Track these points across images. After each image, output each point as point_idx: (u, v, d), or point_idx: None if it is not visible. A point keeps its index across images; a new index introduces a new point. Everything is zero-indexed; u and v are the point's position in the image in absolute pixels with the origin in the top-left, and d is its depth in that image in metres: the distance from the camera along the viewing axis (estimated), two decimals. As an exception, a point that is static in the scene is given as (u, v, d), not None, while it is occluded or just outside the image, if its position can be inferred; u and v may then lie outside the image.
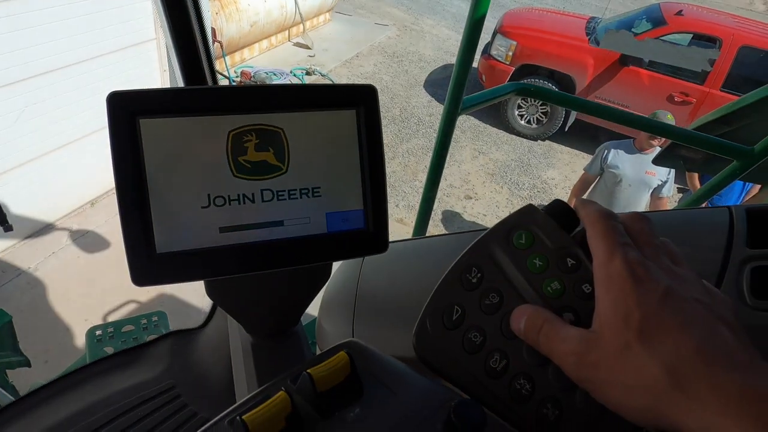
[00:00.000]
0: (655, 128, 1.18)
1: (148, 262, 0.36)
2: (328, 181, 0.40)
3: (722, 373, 0.26)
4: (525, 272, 0.38)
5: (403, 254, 0.75)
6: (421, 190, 1.21)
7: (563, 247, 0.38)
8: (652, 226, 0.35)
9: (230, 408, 0.33)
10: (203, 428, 0.31)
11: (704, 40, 4.82)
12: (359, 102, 0.41)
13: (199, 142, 0.37)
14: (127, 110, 0.34)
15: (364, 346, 0.38)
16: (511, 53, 5.07)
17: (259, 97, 0.38)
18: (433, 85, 6.10)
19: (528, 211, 0.40)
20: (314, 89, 0.40)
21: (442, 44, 7.16)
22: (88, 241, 3.50)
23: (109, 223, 3.61)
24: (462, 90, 0.98)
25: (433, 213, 1.17)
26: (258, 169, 0.38)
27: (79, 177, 3.57)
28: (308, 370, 0.32)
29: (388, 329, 0.67)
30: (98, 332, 1.74)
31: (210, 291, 0.40)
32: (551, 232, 0.39)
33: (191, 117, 0.36)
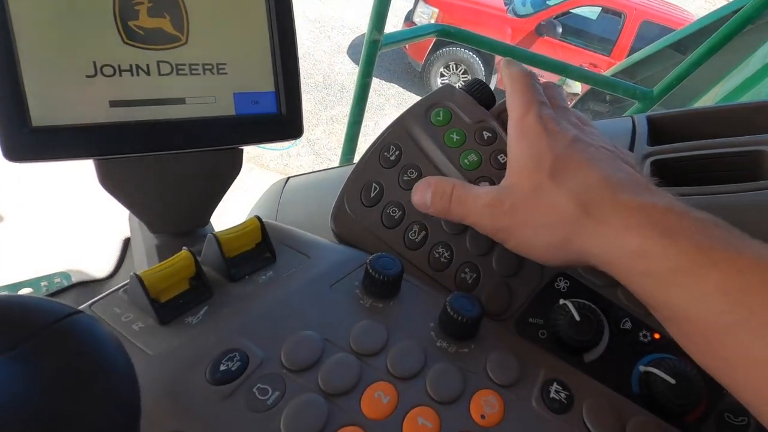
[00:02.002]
0: (572, 73, 1.25)
1: (22, 136, 0.31)
2: (234, 57, 0.37)
3: (624, 195, 0.27)
4: (442, 147, 0.37)
5: (329, 182, 0.73)
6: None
7: (480, 121, 0.38)
8: (562, 92, 0.36)
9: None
10: (99, 297, 0.28)
11: (611, 13, 5.12)
12: None
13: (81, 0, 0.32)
14: None
15: (279, 224, 0.36)
16: (433, 20, 5.09)
17: None
18: (357, 51, 6.00)
19: (446, 89, 0.40)
20: None
21: (366, 9, 7.03)
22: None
23: None
24: (382, 23, 0.96)
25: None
26: (153, 37, 0.34)
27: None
28: (214, 233, 0.29)
29: None
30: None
31: (103, 178, 0.35)
32: (469, 108, 0.38)
33: None
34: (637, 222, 0.26)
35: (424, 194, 0.34)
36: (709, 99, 1.52)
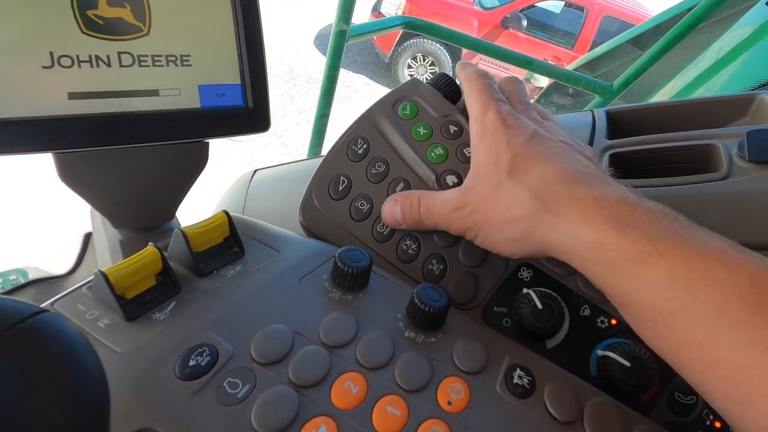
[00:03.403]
0: (536, 67, 1.27)
1: None
2: (199, 48, 0.37)
3: (580, 189, 0.28)
4: (410, 141, 0.38)
5: (297, 175, 0.72)
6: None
7: (447, 115, 0.39)
8: (523, 87, 0.37)
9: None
10: (62, 294, 0.28)
11: (574, 7, 5.23)
12: None
13: None
14: None
15: (247, 217, 0.36)
16: (400, 11, 5.08)
17: None
18: (324, 42, 5.94)
19: (412, 83, 0.40)
20: None
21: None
22: None
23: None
24: (349, 14, 0.96)
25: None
26: (113, 27, 0.33)
27: None
28: (181, 228, 0.29)
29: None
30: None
31: (62, 173, 0.34)
32: (435, 102, 0.39)
33: None
34: (591, 215, 0.27)
35: (393, 211, 0.35)
36: (665, 93, 1.58)
